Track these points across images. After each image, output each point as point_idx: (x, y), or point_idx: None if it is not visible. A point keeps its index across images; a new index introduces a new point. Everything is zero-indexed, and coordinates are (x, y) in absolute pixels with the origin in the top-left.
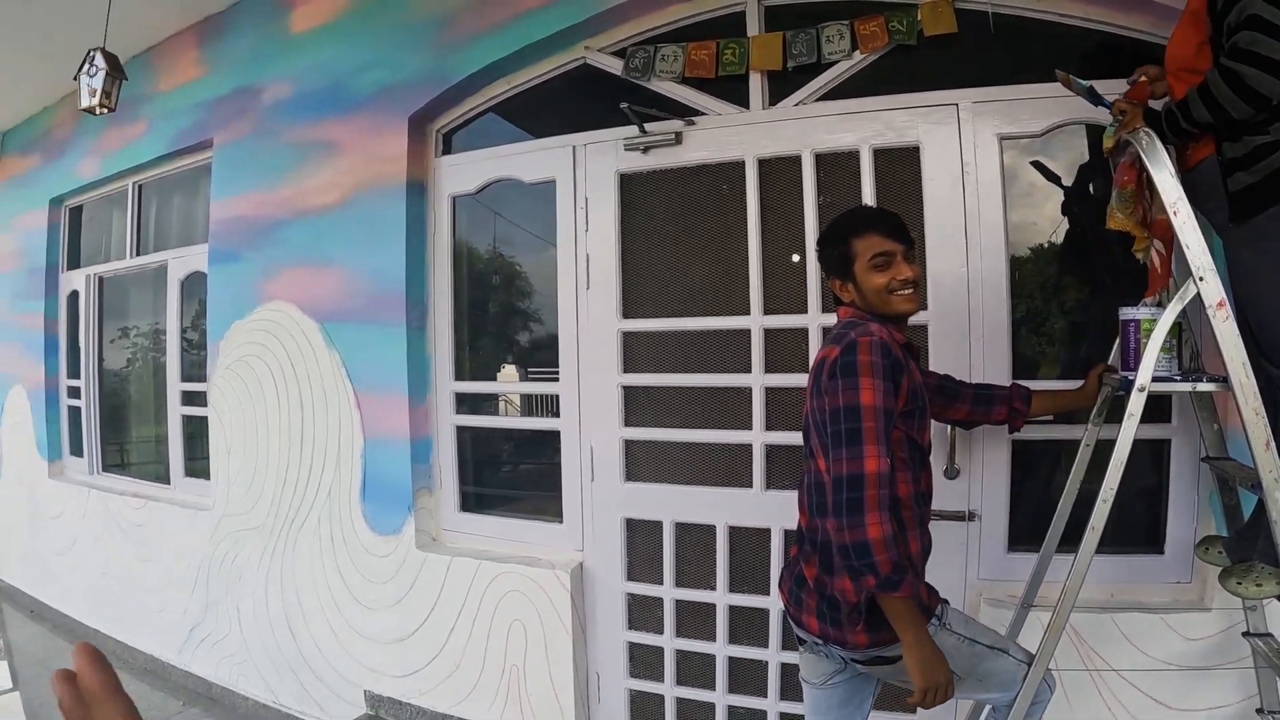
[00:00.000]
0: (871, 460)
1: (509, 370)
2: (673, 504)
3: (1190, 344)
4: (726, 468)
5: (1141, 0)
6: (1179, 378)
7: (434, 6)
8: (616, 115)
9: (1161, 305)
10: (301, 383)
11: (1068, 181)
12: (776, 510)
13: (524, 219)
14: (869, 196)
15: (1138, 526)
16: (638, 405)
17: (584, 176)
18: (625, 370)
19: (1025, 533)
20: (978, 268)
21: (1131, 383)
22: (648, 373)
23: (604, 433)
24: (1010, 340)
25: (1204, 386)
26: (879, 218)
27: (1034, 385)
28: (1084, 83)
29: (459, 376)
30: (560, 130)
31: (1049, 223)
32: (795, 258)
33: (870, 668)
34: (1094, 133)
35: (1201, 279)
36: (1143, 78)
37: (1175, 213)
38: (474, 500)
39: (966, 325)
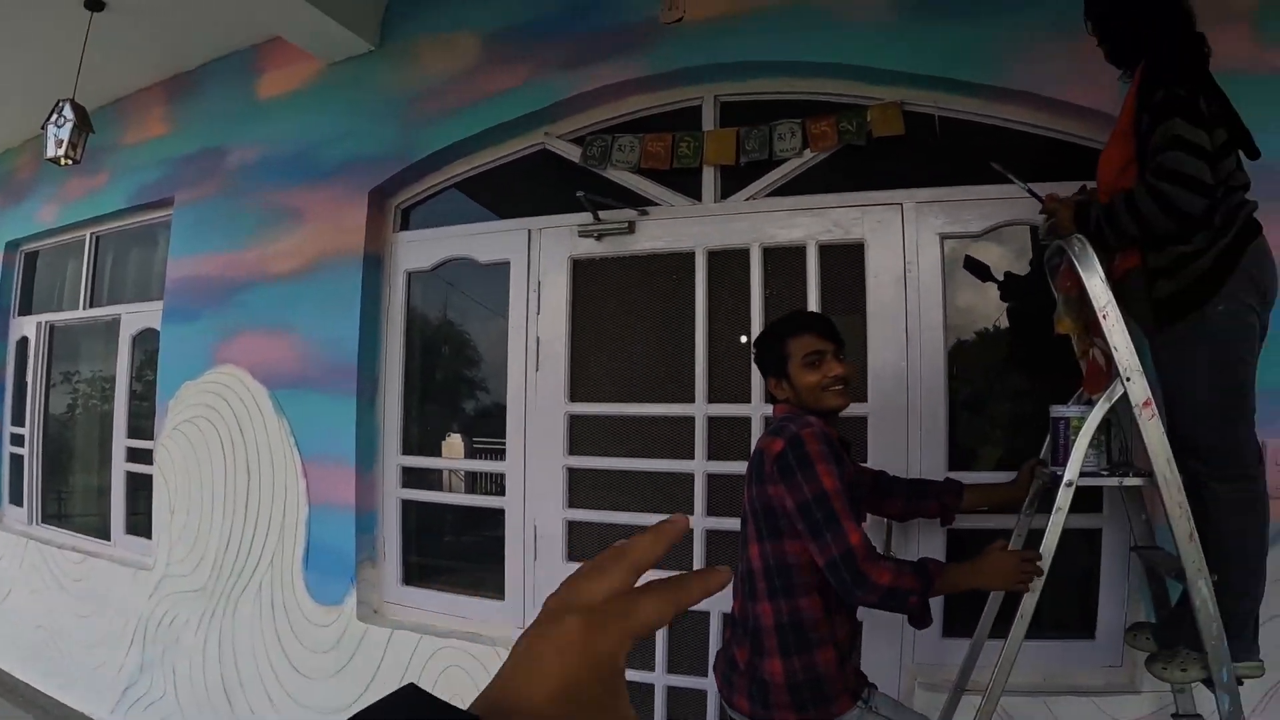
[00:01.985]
0: (854, 534)
1: (455, 439)
2: None
3: (1119, 439)
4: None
5: (1079, 108)
6: (1106, 472)
7: (401, 84)
8: (573, 200)
9: (1091, 404)
10: (249, 448)
11: (1000, 277)
12: (715, 594)
13: (477, 294)
14: (814, 290)
15: (1071, 611)
16: (582, 486)
17: (538, 259)
18: (570, 452)
19: (960, 619)
20: (917, 362)
21: (1060, 478)
22: (593, 455)
23: (548, 512)
24: (948, 433)
25: (1130, 481)
26: (811, 319)
27: (969, 477)
28: (1022, 184)
29: (406, 450)
30: (517, 210)
31: (989, 320)
32: (744, 339)
33: None
34: (1033, 234)
35: (1129, 379)
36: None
37: (1105, 316)
38: (417, 572)
39: (905, 418)
